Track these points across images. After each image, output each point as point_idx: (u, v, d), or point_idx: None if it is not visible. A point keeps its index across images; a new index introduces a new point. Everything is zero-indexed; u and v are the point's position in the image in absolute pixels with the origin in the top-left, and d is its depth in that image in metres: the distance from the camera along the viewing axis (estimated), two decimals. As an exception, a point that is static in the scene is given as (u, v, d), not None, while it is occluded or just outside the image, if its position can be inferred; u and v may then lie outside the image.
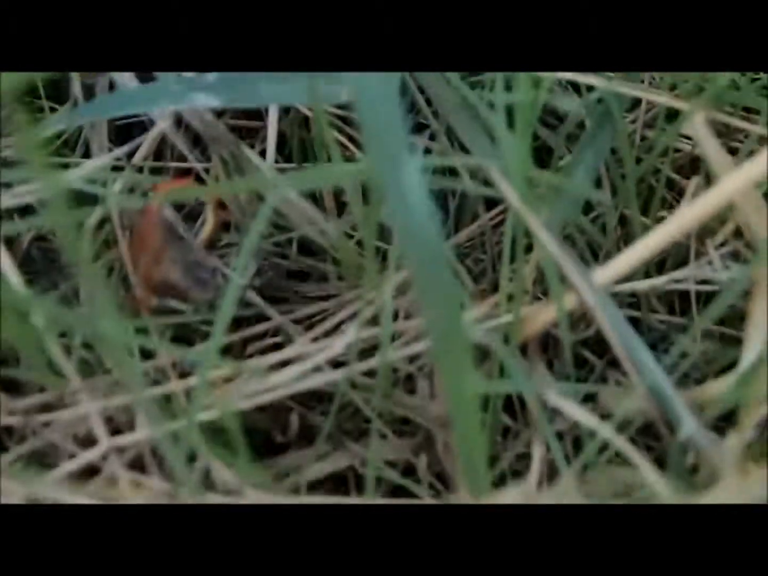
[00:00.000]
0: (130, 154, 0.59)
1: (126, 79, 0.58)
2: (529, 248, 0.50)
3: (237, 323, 0.54)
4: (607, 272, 0.49)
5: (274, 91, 0.52)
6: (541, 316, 0.50)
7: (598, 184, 0.55)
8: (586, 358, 0.55)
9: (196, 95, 0.52)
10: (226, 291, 0.47)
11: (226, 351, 0.53)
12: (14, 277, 0.49)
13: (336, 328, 0.53)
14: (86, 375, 0.50)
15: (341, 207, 0.60)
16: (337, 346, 0.50)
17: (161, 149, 0.61)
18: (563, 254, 0.48)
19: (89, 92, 0.61)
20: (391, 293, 0.50)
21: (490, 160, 0.48)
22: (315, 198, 0.61)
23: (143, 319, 0.53)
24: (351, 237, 0.57)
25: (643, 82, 0.55)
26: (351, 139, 0.62)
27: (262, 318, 0.55)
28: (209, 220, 0.54)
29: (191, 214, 0.59)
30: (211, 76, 0.52)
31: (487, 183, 0.52)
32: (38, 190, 0.51)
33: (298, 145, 0.63)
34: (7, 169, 0.51)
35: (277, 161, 0.60)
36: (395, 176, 0.37)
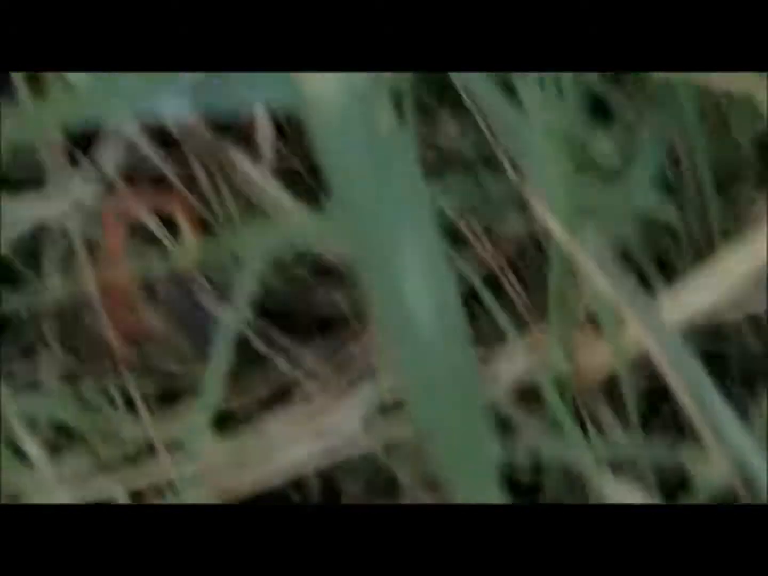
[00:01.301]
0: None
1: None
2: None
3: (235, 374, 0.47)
4: (678, 304, 0.41)
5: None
6: (599, 358, 0.43)
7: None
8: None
9: (166, 99, 0.44)
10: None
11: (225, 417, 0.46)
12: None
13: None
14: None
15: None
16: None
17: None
18: (618, 286, 0.40)
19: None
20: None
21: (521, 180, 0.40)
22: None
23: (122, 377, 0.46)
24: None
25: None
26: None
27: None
28: (189, 243, 0.47)
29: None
30: (182, 78, 0.45)
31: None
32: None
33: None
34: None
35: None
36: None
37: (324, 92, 0.32)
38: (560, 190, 0.39)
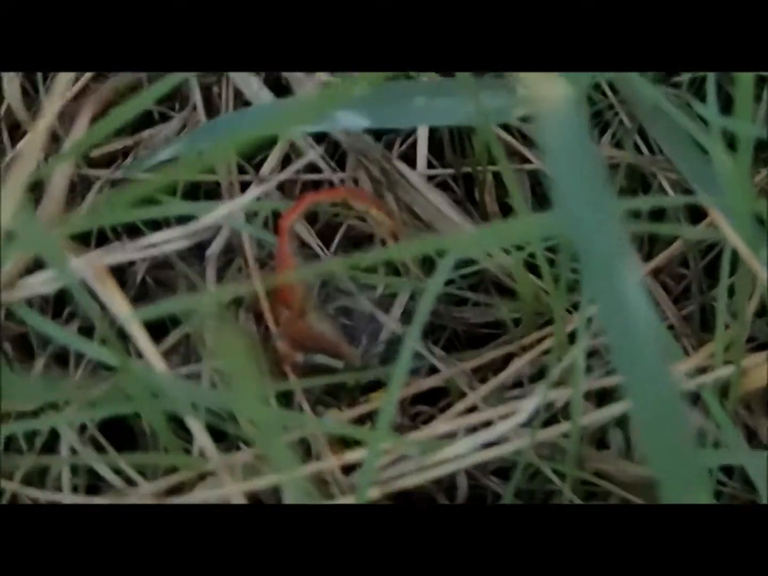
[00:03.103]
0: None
1: (252, 86, 0.53)
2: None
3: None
4: None
5: (433, 108, 0.47)
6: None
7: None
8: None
9: (341, 114, 0.47)
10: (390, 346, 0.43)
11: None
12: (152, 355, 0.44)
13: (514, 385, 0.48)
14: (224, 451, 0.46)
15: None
16: (521, 412, 0.45)
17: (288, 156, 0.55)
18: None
19: (208, 96, 0.55)
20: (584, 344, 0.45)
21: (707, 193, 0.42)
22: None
23: (287, 380, 0.48)
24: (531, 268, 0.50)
25: None
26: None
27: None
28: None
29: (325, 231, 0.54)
30: (357, 91, 0.47)
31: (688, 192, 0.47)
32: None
33: (451, 143, 0.57)
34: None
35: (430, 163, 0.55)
36: (608, 284, 0.32)
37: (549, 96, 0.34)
38: (743, 202, 0.41)
